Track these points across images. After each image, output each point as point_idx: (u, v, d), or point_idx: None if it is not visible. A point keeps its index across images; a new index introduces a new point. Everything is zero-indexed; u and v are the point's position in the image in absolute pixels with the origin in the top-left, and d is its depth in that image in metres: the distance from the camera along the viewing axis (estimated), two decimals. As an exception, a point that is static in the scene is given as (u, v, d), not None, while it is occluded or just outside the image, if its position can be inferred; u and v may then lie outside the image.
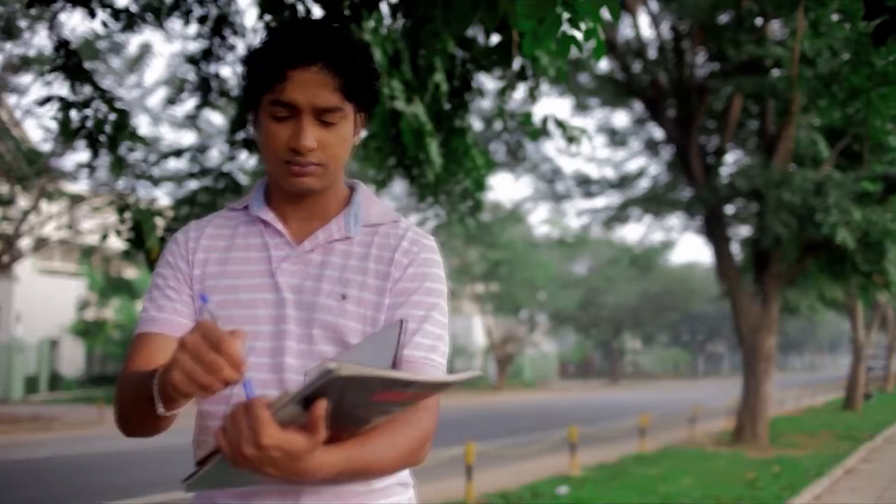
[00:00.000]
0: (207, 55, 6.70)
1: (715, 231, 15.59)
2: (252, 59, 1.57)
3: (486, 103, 15.74)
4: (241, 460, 1.25)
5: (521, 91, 5.14)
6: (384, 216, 1.70)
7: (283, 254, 1.62)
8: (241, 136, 5.87)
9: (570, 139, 5.22)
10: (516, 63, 4.88)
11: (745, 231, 19.22)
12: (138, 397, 1.46)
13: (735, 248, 17.56)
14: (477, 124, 15.93)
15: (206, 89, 7.35)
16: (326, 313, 1.58)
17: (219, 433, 1.27)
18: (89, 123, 5.65)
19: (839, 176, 13.33)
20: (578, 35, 3.19)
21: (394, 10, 4.77)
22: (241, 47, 6.04)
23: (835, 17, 13.18)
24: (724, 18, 15.06)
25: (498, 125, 15.90)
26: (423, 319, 1.60)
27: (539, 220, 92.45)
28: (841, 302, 25.43)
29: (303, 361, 1.56)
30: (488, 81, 15.55)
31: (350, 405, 1.27)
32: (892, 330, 39.15)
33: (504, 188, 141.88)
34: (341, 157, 1.60)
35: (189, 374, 1.26)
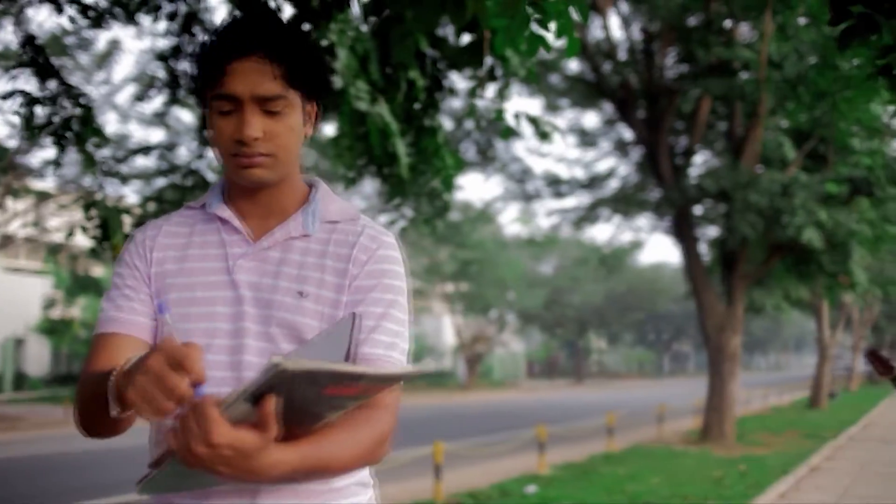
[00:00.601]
0: (177, 52, 6.65)
1: (683, 231, 15.69)
2: (195, 58, 1.57)
3: (457, 103, 15.77)
4: (193, 460, 1.23)
5: (491, 91, 5.14)
6: (343, 213, 1.68)
7: (241, 251, 1.61)
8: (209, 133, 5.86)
9: (543, 135, 5.24)
10: (487, 63, 4.88)
11: (713, 231, 19.39)
12: (96, 398, 1.45)
13: (703, 249, 17.70)
14: (447, 124, 15.94)
15: (175, 86, 7.29)
16: (284, 311, 1.56)
17: (170, 434, 1.25)
18: (56, 120, 5.59)
19: (805, 178, 13.47)
20: (547, 35, 3.21)
21: (365, 9, 4.77)
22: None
23: (802, 21, 13.35)
24: (693, 21, 15.16)
25: (469, 124, 15.93)
26: (382, 317, 1.59)
27: (509, 219, 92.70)
28: (807, 301, 25.71)
29: (263, 359, 1.53)
30: (459, 81, 15.57)
31: (301, 400, 1.26)
32: (857, 330, 39.68)
33: (474, 188, 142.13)
34: (291, 147, 1.58)
35: (147, 399, 1.24)
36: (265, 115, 1.53)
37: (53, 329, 31.98)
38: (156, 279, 1.63)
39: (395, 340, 1.61)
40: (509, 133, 5.09)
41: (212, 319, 1.57)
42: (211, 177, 7.36)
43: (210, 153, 5.53)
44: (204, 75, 1.55)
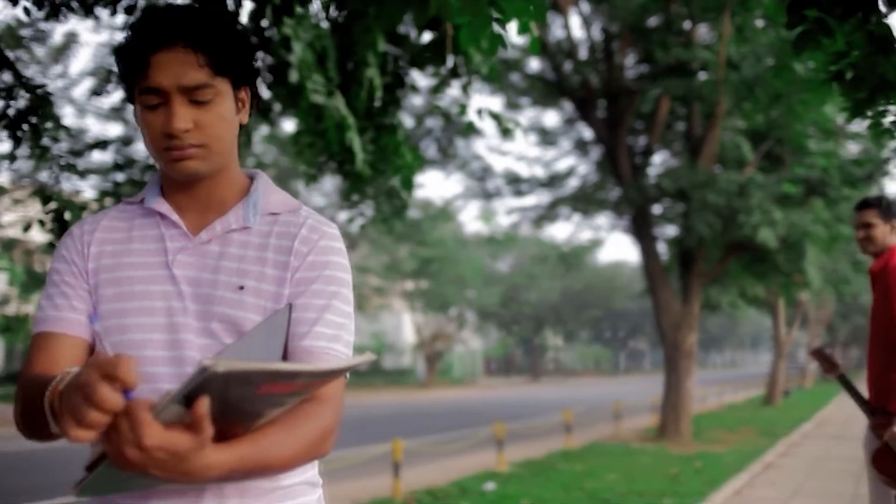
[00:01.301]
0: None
1: (641, 230, 15.81)
2: (118, 55, 1.54)
3: (418, 101, 15.77)
4: (125, 464, 1.21)
5: (454, 89, 5.15)
6: (284, 205, 1.65)
7: (180, 245, 1.58)
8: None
9: (505, 131, 5.26)
10: (449, 60, 4.89)
11: (671, 230, 19.58)
12: (35, 407, 1.42)
13: (661, 248, 17.86)
14: (408, 121, 15.93)
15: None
16: (224, 306, 1.54)
17: (103, 436, 1.22)
18: (11, 112, 5.51)
19: (761, 178, 13.64)
20: (507, 34, 3.23)
21: (326, 5, 4.75)
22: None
23: (759, 24, 13.53)
24: (652, 22, 15.28)
25: (430, 122, 15.95)
26: (324, 309, 1.57)
27: (469, 217, 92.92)
28: (763, 299, 26.07)
29: (204, 355, 1.51)
30: (421, 79, 15.57)
31: (236, 400, 1.24)
32: (813, 328, 40.30)
33: (435, 186, 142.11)
34: (224, 136, 1.56)
35: (77, 417, 1.20)
36: (193, 106, 1.50)
37: (8, 326, 31.45)
38: (93, 274, 1.60)
39: (338, 333, 1.58)
40: (470, 129, 5.11)
41: (150, 315, 1.54)
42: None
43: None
44: (128, 70, 1.52)
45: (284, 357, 1.54)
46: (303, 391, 1.33)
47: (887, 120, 4.81)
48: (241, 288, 1.55)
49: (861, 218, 4.70)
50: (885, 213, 4.61)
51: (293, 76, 4.14)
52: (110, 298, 1.56)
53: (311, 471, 1.65)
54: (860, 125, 15.91)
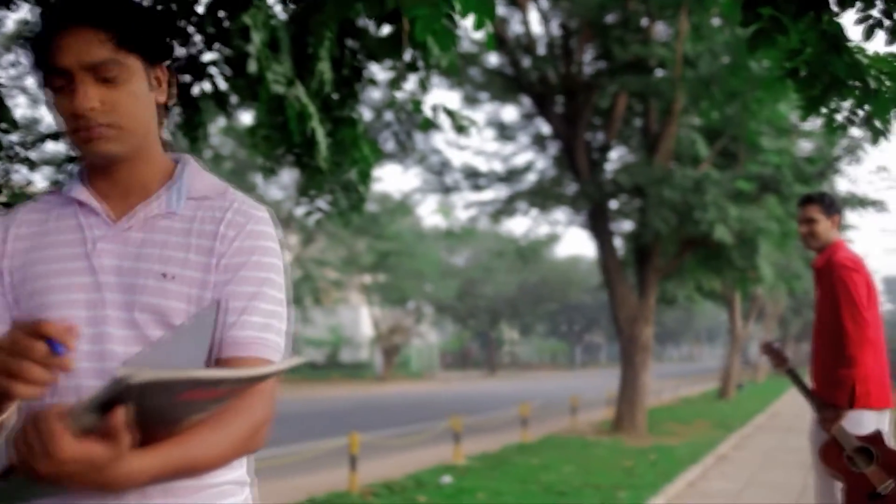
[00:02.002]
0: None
1: (598, 225, 15.90)
2: (27, 42, 1.51)
3: (377, 94, 15.71)
4: (37, 477, 1.16)
5: (411, 83, 5.15)
6: (212, 189, 1.58)
7: (100, 233, 1.51)
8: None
9: (460, 128, 5.25)
10: (407, 54, 4.89)
11: (628, 226, 19.73)
12: None
13: (618, 242, 18.00)
14: (366, 115, 15.87)
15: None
16: (147, 294, 1.46)
17: (11, 447, 1.18)
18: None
19: (717, 175, 13.80)
20: (459, 29, 3.24)
21: (284, -5, 4.72)
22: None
23: (716, 22, 13.67)
24: (611, 18, 15.36)
25: (388, 116, 15.90)
26: (253, 296, 1.50)
27: (428, 211, 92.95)
28: (719, 293, 26.38)
29: (128, 348, 1.45)
30: (379, 72, 15.51)
31: (156, 407, 1.18)
32: (768, 322, 40.89)
33: (393, 179, 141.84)
34: (139, 116, 1.50)
35: (11, 373, 1.18)
36: (102, 85, 1.45)
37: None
38: (11, 272, 1.53)
39: (269, 321, 1.52)
40: (427, 125, 5.11)
41: (70, 308, 1.46)
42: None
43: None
44: (35, 55, 1.49)
45: (212, 350, 1.48)
46: (228, 396, 1.28)
47: (840, 116, 4.90)
48: (164, 275, 1.48)
49: (804, 213, 4.80)
50: (827, 209, 4.73)
51: (252, 66, 4.11)
52: (28, 295, 1.49)
53: (240, 469, 1.59)
54: (813, 123, 16.18)
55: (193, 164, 1.62)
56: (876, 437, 4.29)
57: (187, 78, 5.00)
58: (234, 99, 5.09)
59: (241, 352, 1.48)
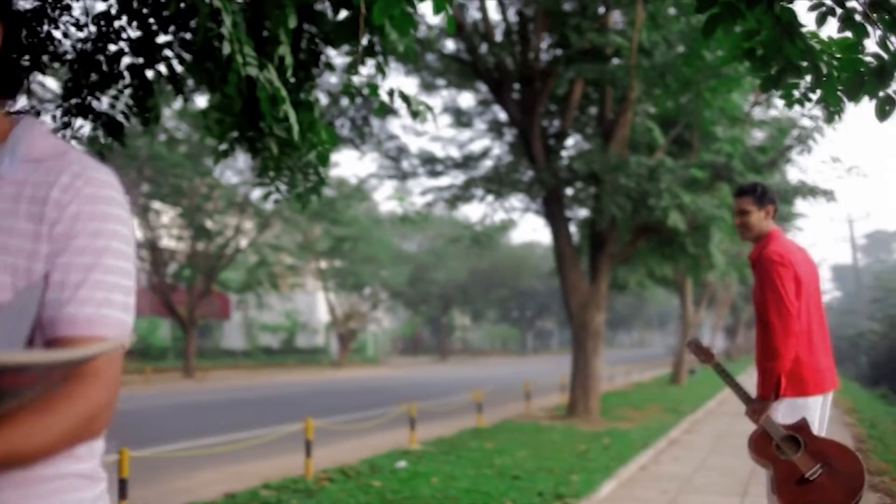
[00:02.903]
0: (40, 15, 6.37)
1: (554, 212, 15.98)
2: None
3: (334, 79, 15.64)
4: None
5: (368, 68, 5.13)
6: (50, 150, 1.42)
7: None
8: (75, 101, 5.63)
9: (415, 114, 5.25)
10: (364, 39, 4.88)
11: (583, 213, 19.87)
12: None
13: (574, 229, 18.11)
14: (323, 99, 15.78)
15: (39, 52, 6.98)
16: None
17: None
18: None
19: (671, 162, 13.92)
20: (418, 13, 3.25)
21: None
22: (76, 8, 5.79)
23: (672, 12, 13.79)
24: (568, 6, 15.42)
25: (345, 101, 15.82)
26: (91, 268, 1.34)
27: (384, 196, 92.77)
28: (671, 279, 26.68)
29: None
30: (337, 57, 15.44)
31: None
32: (718, 309, 41.46)
33: (349, 164, 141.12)
34: None
35: None
36: None
37: None
38: None
39: (109, 295, 1.35)
40: (383, 109, 5.11)
41: None
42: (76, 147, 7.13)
43: (77, 122, 5.33)
44: None
45: (40, 330, 1.34)
46: (47, 382, 1.15)
47: (798, 91, 4.99)
48: None
49: (737, 205, 4.91)
50: (759, 200, 4.82)
51: (227, 48, 4.07)
52: None
53: (90, 462, 1.43)
54: (764, 114, 16.32)
55: (33, 122, 1.47)
56: (802, 426, 4.43)
57: (140, 60, 4.95)
58: (190, 82, 5.05)
59: (76, 330, 1.33)
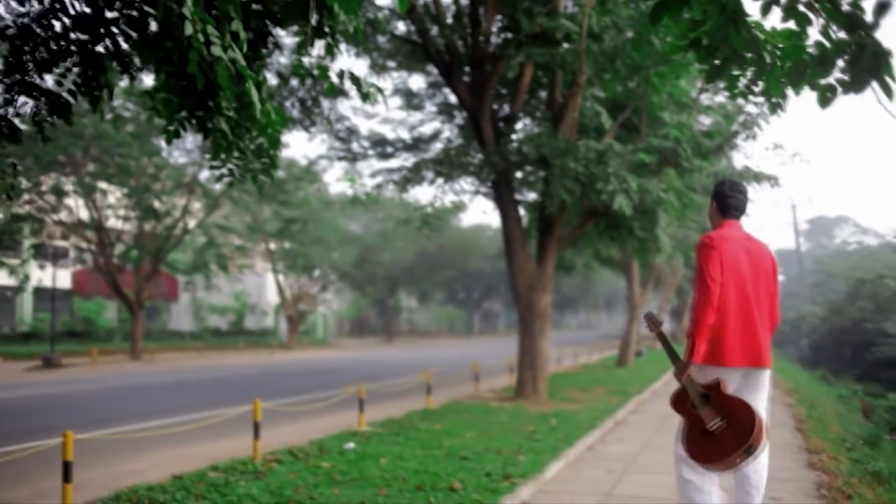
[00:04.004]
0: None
1: (503, 195, 16.04)
2: None
3: (283, 59, 15.50)
4: None
5: (318, 49, 5.11)
6: None
7: None
8: (17, 78, 5.52)
9: (365, 96, 5.25)
10: (314, 19, 4.86)
11: (532, 196, 19.96)
12: None
13: (523, 212, 18.18)
14: (272, 80, 15.64)
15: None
16: None
17: None
18: None
19: (619, 147, 14.02)
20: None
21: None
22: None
23: (620, -4, 13.85)
24: (519, -11, 15.40)
25: (295, 81, 15.70)
26: None
27: (334, 178, 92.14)
28: (617, 261, 26.93)
29: None
30: (286, 38, 15.30)
31: None
32: (664, 291, 41.97)
33: (299, 146, 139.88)
34: None
35: None
36: None
37: None
38: None
39: None
40: (332, 91, 5.10)
41: None
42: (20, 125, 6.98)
43: (21, 98, 5.24)
44: None
45: None
46: None
47: (741, 83, 5.09)
48: None
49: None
50: (712, 197, 5.56)
51: (188, 29, 4.03)
52: None
53: None
54: (711, 100, 16.51)
55: None
56: (714, 385, 5.02)
57: (86, 37, 4.88)
58: (138, 61, 4.98)
59: None
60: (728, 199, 5.44)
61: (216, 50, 4.13)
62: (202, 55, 4.11)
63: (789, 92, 4.82)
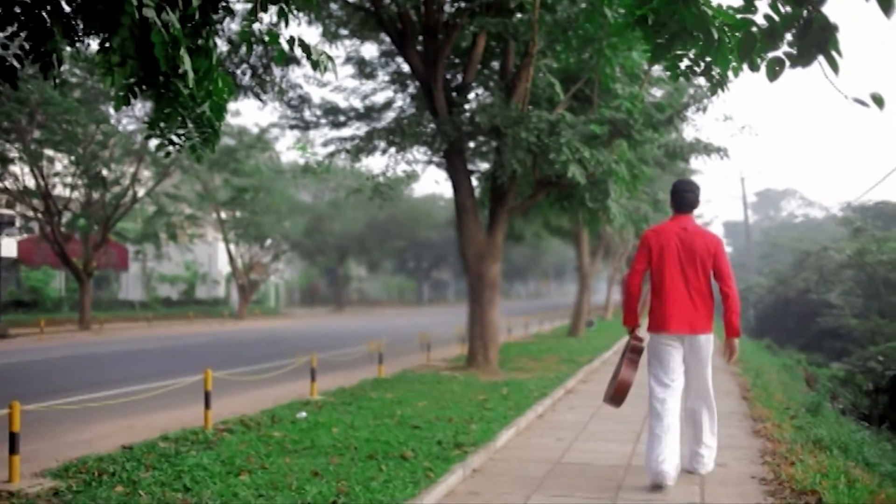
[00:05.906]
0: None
1: (455, 165, 16.03)
2: None
3: (234, 26, 15.27)
4: None
5: (270, 15, 5.04)
6: None
7: None
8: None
9: (315, 64, 5.18)
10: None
11: (485, 166, 19.97)
12: None
13: (475, 182, 18.18)
14: (223, 46, 15.42)
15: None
16: None
17: None
18: None
19: (571, 118, 14.07)
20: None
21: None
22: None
23: (573, -34, 13.84)
24: (472, -43, 15.31)
25: (244, 48, 15.46)
26: None
27: (286, 147, 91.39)
28: (567, 230, 27.09)
29: None
30: (237, 3, 15.04)
31: None
32: (615, 261, 42.39)
33: (250, 114, 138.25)
34: None
35: None
36: None
37: None
38: None
39: None
40: (283, 58, 5.04)
41: None
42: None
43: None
44: None
45: None
46: None
47: (683, 64, 5.15)
48: None
49: None
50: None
51: None
52: None
53: None
54: (663, 72, 16.63)
55: None
56: (634, 347, 6.81)
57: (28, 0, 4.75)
58: (80, 24, 4.87)
59: None
60: (677, 197, 6.82)
61: (149, 12, 4.03)
62: (133, 18, 4.01)
63: (736, 67, 4.88)
